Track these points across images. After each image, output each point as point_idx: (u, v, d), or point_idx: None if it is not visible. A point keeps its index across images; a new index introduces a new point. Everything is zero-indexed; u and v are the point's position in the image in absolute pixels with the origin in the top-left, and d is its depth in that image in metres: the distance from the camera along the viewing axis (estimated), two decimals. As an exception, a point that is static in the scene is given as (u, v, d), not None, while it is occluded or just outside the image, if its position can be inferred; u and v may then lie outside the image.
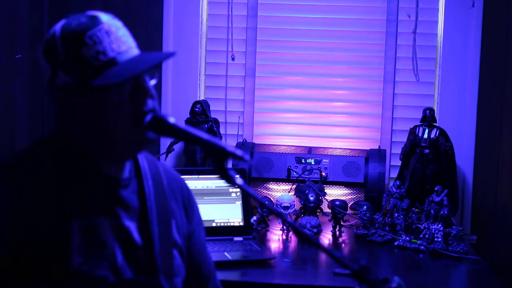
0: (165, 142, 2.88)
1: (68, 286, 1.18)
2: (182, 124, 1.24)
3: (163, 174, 1.40)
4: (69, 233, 1.19)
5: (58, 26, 1.24)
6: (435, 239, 2.40)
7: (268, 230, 2.59)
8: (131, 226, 1.29)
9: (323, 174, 2.75)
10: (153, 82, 1.28)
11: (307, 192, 2.60)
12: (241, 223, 2.46)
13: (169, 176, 1.43)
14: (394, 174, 2.90)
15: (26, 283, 1.17)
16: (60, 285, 1.18)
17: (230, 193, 2.49)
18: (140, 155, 1.37)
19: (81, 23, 1.22)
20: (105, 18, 1.25)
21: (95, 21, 1.23)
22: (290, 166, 2.78)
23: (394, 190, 2.59)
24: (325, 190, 2.71)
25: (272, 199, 2.78)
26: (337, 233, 2.57)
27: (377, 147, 2.89)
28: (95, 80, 1.19)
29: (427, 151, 2.70)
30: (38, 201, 1.19)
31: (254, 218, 2.56)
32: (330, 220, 2.59)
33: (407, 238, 2.44)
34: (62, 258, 1.18)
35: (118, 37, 1.24)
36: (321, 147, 2.90)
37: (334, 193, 2.79)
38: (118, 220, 1.27)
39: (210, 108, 2.88)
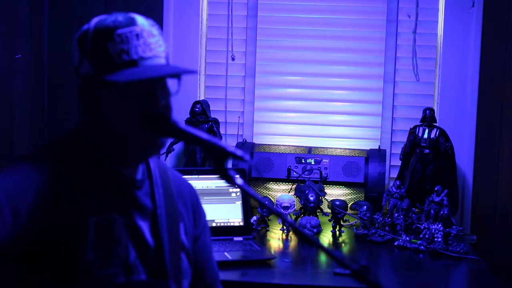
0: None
1: (80, 283, 1.19)
2: (182, 124, 1.25)
3: (172, 180, 1.43)
4: (85, 228, 1.21)
5: (96, 19, 1.27)
6: (435, 239, 2.40)
7: (268, 230, 2.59)
8: (144, 226, 1.31)
9: (323, 174, 2.75)
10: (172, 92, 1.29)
11: (307, 192, 2.60)
12: (241, 223, 2.46)
13: (179, 181, 1.46)
14: (394, 174, 2.90)
15: (39, 277, 1.18)
16: (72, 281, 1.18)
17: (230, 193, 2.49)
18: (152, 162, 1.39)
19: (116, 20, 1.25)
20: (141, 21, 1.28)
21: (131, 22, 1.26)
22: (290, 166, 2.78)
23: (394, 190, 2.59)
24: (325, 190, 2.71)
25: (272, 199, 2.78)
26: (337, 233, 2.57)
27: (377, 147, 2.89)
28: (109, 75, 1.21)
29: (427, 151, 2.70)
30: (57, 195, 1.21)
31: (254, 218, 2.56)
32: (330, 220, 2.59)
33: (407, 238, 2.44)
34: (77, 253, 1.19)
35: (148, 42, 1.26)
36: (321, 147, 2.90)
37: (334, 193, 2.79)
38: (132, 219, 1.29)
39: (210, 108, 2.88)
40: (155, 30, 1.29)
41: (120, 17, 1.26)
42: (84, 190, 1.24)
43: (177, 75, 1.29)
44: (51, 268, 1.18)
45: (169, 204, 1.38)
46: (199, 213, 1.48)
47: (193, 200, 1.47)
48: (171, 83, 1.30)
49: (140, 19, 1.28)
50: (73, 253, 1.19)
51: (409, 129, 2.77)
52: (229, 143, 2.67)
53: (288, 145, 2.94)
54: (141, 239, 1.29)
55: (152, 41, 1.27)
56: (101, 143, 1.28)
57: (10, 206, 1.16)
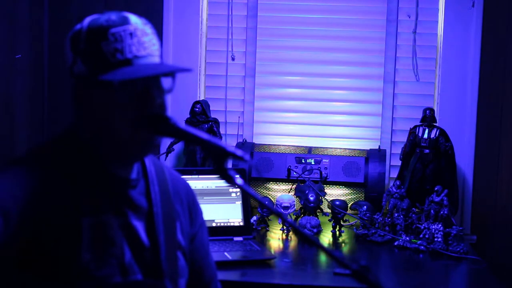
0: (165, 142, 2.88)
1: (76, 284, 1.19)
2: (182, 124, 1.24)
3: (169, 178, 1.42)
4: (80, 230, 1.21)
5: (89, 18, 1.27)
6: (435, 239, 2.40)
7: (268, 230, 2.59)
8: (139, 226, 1.31)
9: (323, 174, 2.75)
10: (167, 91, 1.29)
11: (307, 192, 2.60)
12: (241, 223, 2.46)
13: (175, 179, 1.45)
14: (394, 174, 2.90)
15: (35, 278, 1.18)
16: (68, 282, 1.18)
17: (230, 193, 2.49)
18: (147, 159, 1.38)
19: (110, 19, 1.25)
20: (135, 20, 1.27)
21: (124, 20, 1.25)
22: (290, 166, 2.78)
23: (394, 190, 2.59)
24: (325, 190, 2.71)
25: (272, 199, 2.78)
26: (337, 233, 2.57)
27: (377, 147, 2.89)
28: (104, 74, 1.21)
29: (427, 151, 2.70)
30: (50, 196, 1.20)
31: (254, 218, 2.56)
32: (330, 220, 2.59)
33: (407, 238, 2.44)
34: (72, 254, 1.19)
35: (141, 41, 1.25)
36: (321, 147, 2.90)
37: (334, 193, 2.79)
38: (126, 219, 1.29)
39: (210, 108, 2.88)
40: (148, 28, 1.28)
41: (113, 16, 1.26)
42: (77, 191, 1.24)
43: (172, 73, 1.28)
44: (48, 269, 1.18)
45: (166, 202, 1.37)
46: (195, 211, 1.48)
47: (189, 198, 1.47)
48: (165, 82, 1.29)
49: (133, 18, 1.27)
50: (68, 254, 1.19)
51: (409, 129, 2.77)
52: (229, 143, 2.67)
53: (288, 145, 2.94)
54: (136, 239, 1.29)
55: (145, 39, 1.26)
56: (96, 143, 1.28)
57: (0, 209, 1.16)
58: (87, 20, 1.26)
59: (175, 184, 1.43)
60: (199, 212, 1.49)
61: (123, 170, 1.31)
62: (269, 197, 2.80)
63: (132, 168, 1.33)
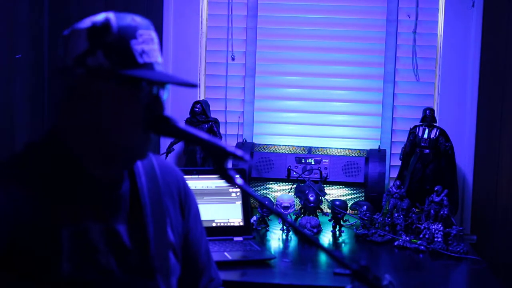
0: (165, 142, 2.88)
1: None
2: (182, 124, 1.24)
3: (157, 170, 1.39)
4: (59, 241, 1.19)
5: (110, 14, 1.25)
6: (435, 239, 2.40)
7: (268, 230, 2.59)
8: (122, 229, 1.28)
9: (323, 174, 2.75)
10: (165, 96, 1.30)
11: (307, 192, 2.60)
12: (241, 223, 2.46)
13: (165, 170, 1.42)
14: (394, 174, 2.90)
15: (21, 279, 1.17)
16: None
17: (230, 193, 2.49)
18: None
19: (135, 20, 1.25)
20: (152, 28, 1.29)
21: (147, 25, 1.27)
22: (290, 166, 2.78)
23: (394, 190, 2.59)
24: (325, 190, 2.71)
25: (272, 199, 2.78)
26: (337, 233, 2.57)
27: (377, 147, 2.89)
28: (134, 70, 1.21)
29: (427, 151, 2.70)
30: (29, 206, 1.18)
31: (254, 218, 2.56)
32: (330, 220, 2.59)
33: (407, 238, 2.44)
34: (52, 266, 1.18)
35: (155, 48, 1.27)
36: (321, 147, 2.90)
37: (334, 193, 2.79)
38: (108, 224, 1.26)
39: (210, 108, 2.88)
40: (156, 38, 1.30)
41: (137, 18, 1.26)
42: (58, 199, 1.21)
43: (188, 85, 1.27)
44: (30, 275, 1.17)
45: (155, 196, 1.35)
46: (188, 205, 1.45)
47: (180, 192, 1.43)
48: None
49: (151, 26, 1.29)
50: (48, 265, 1.17)
51: (409, 129, 2.77)
52: (229, 143, 2.67)
53: (288, 145, 2.94)
54: (119, 243, 1.27)
55: (156, 48, 1.28)
56: (83, 144, 1.25)
57: None
58: (112, 15, 1.24)
59: (164, 176, 1.40)
60: (192, 205, 1.46)
61: (107, 173, 1.28)
62: (269, 197, 2.80)
63: (117, 170, 1.31)
